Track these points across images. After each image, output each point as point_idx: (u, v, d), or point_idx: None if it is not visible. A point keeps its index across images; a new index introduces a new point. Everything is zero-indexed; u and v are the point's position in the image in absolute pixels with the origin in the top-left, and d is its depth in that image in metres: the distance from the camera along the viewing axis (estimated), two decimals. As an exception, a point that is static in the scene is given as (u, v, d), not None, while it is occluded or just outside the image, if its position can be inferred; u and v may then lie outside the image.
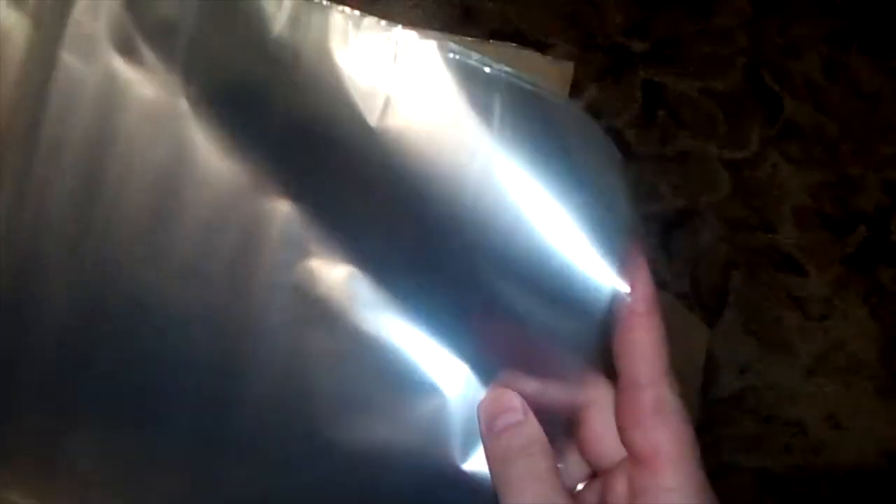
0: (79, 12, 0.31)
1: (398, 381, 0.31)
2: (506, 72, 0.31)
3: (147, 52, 0.31)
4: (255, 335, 0.31)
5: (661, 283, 0.62)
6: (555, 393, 0.28)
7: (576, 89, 0.52)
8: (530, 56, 0.46)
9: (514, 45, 0.42)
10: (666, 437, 0.26)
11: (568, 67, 0.45)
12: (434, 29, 0.35)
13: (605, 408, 0.27)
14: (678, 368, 0.30)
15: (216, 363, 0.31)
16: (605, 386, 0.27)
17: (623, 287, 0.27)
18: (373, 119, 0.29)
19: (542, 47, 0.62)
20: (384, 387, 0.31)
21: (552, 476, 0.27)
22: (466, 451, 0.30)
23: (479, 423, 0.29)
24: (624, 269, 0.28)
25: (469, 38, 0.41)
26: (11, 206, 0.31)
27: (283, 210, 0.31)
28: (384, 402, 0.31)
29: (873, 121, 0.66)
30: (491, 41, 0.41)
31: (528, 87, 0.31)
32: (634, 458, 0.26)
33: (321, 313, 0.31)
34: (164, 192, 0.31)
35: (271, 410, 0.31)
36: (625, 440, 0.27)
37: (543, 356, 0.28)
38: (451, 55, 0.30)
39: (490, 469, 0.28)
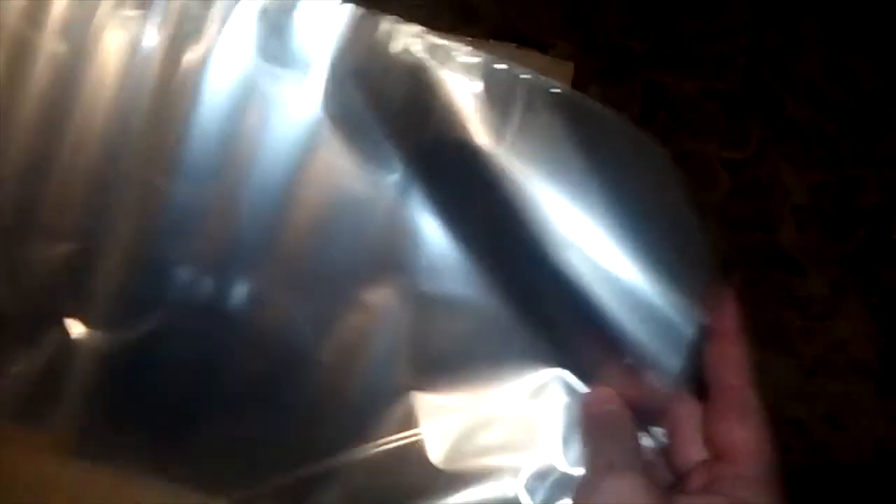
0: (225, 26, 0.32)
1: (508, 383, 0.32)
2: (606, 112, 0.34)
3: (291, 59, 0.33)
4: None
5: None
6: (646, 401, 0.30)
7: (576, 89, 0.52)
8: (530, 56, 0.46)
9: (515, 45, 0.42)
10: (748, 432, 0.28)
11: (568, 67, 0.45)
12: (434, 28, 0.35)
13: (691, 418, 0.30)
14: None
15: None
16: (691, 400, 0.30)
17: (709, 311, 0.30)
18: (494, 143, 0.32)
19: (542, 47, 0.62)
20: (493, 386, 0.33)
21: (637, 453, 0.30)
22: (568, 448, 0.32)
23: (582, 413, 0.32)
24: (709, 294, 0.31)
25: (469, 38, 0.41)
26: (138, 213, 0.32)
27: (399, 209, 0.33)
28: (491, 399, 0.32)
29: (873, 121, 0.66)
30: (491, 41, 0.41)
31: (615, 121, 0.34)
32: (717, 450, 0.29)
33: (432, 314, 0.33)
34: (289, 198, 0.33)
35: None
36: (709, 435, 0.29)
37: (637, 369, 0.31)
38: (555, 91, 0.33)
39: (584, 442, 0.31)
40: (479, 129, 0.32)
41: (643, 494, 0.27)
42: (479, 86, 0.32)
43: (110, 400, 0.32)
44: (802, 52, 0.67)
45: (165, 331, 0.32)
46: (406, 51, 0.33)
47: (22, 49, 0.32)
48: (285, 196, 0.32)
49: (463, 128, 0.32)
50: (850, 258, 0.64)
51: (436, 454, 0.32)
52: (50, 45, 0.32)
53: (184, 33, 0.32)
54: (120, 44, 0.32)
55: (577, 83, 0.51)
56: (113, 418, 0.33)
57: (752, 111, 0.65)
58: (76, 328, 0.32)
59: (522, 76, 0.33)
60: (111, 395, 0.32)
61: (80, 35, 0.32)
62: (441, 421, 0.32)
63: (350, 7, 0.33)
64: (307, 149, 0.33)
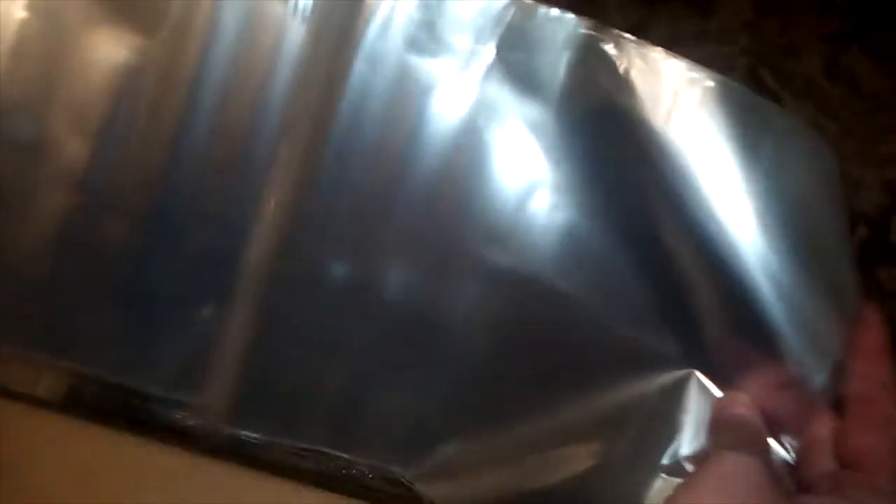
0: (369, 27, 0.33)
1: (641, 377, 0.32)
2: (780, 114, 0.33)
3: (443, 48, 0.33)
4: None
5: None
6: (784, 411, 0.30)
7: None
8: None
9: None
10: (885, 444, 0.28)
11: (567, 67, 0.45)
12: (434, 29, 0.35)
13: (826, 431, 0.31)
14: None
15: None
16: (828, 413, 0.30)
17: (855, 325, 0.31)
18: (659, 120, 0.32)
19: (542, 47, 0.62)
20: (626, 382, 0.33)
21: (759, 451, 0.29)
22: (690, 445, 0.32)
23: (712, 415, 0.32)
24: (857, 307, 0.31)
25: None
26: (294, 207, 0.33)
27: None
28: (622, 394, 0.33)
29: (873, 121, 0.66)
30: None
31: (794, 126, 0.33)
32: (849, 460, 0.29)
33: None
34: (448, 180, 0.33)
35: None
36: (843, 445, 0.29)
37: (780, 378, 0.31)
38: (719, 82, 0.32)
39: (710, 439, 0.30)
40: (642, 105, 0.31)
41: (760, 475, 0.27)
42: (639, 65, 0.32)
43: (258, 376, 0.33)
44: (802, 52, 0.67)
45: (316, 311, 0.33)
46: (563, 34, 0.33)
47: (181, 41, 0.32)
48: (436, 185, 0.33)
49: (626, 99, 0.32)
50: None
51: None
52: (202, 35, 0.32)
53: (332, 22, 0.32)
54: (268, 34, 0.32)
55: (577, 83, 0.50)
56: (261, 394, 0.33)
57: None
58: (227, 308, 0.33)
59: (680, 67, 0.32)
60: (259, 371, 0.33)
61: (228, 28, 0.32)
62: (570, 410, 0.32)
63: None
64: (458, 139, 0.33)
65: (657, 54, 0.32)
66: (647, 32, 0.71)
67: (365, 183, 0.33)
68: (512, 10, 0.33)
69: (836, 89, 0.66)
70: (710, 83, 0.32)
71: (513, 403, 0.33)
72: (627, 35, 0.33)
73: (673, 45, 0.72)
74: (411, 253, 0.33)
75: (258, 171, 0.32)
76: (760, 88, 0.66)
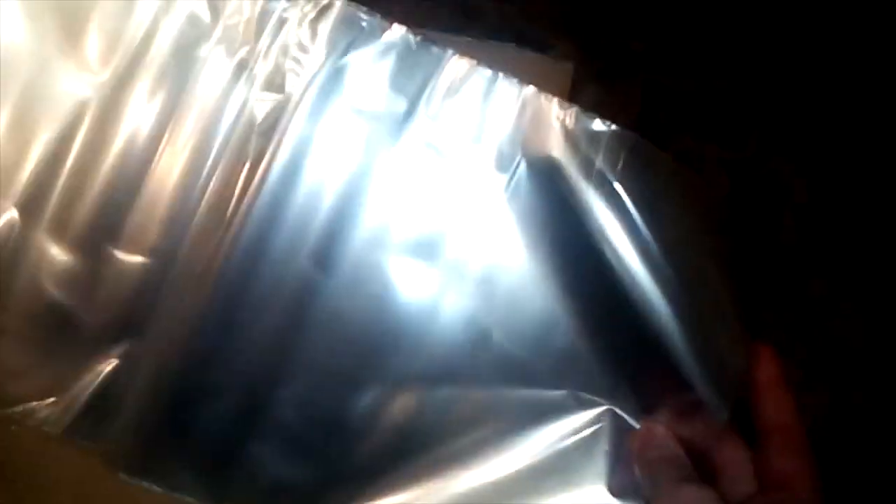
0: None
1: (557, 412, 0.33)
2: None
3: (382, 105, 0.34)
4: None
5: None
6: (696, 440, 0.32)
7: (576, 89, 0.51)
8: (530, 56, 0.46)
9: (514, 45, 0.42)
10: (802, 462, 0.31)
11: (568, 68, 0.45)
12: (434, 29, 0.35)
13: (740, 456, 0.32)
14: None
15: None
16: (739, 439, 0.33)
17: (752, 359, 0.33)
18: (573, 177, 0.32)
19: (542, 47, 0.62)
20: (540, 417, 0.33)
21: (700, 480, 0.31)
22: (613, 480, 0.32)
23: (632, 448, 0.33)
24: (747, 348, 0.33)
25: (469, 38, 0.41)
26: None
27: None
28: (538, 430, 0.33)
29: (873, 121, 0.66)
30: (491, 41, 0.41)
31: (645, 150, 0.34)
32: (772, 482, 0.31)
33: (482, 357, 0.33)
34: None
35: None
36: (764, 468, 0.31)
37: (690, 409, 0.32)
38: (631, 141, 0.34)
39: (642, 479, 0.31)
40: (559, 158, 0.32)
41: (717, 502, 0.30)
42: (554, 119, 0.33)
43: (162, 423, 0.33)
44: (802, 52, 0.67)
45: (220, 363, 0.32)
46: (502, 90, 0.33)
47: (124, 82, 0.32)
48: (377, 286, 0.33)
49: (547, 153, 0.32)
50: (850, 258, 0.64)
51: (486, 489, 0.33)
52: (147, 82, 0.32)
53: (265, 83, 0.32)
54: (210, 85, 0.32)
55: (577, 83, 0.51)
56: (163, 441, 0.33)
57: (752, 111, 0.65)
58: (139, 344, 0.32)
59: (599, 126, 0.33)
60: (163, 418, 0.33)
61: (172, 81, 0.32)
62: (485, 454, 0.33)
63: (403, 36, 0.33)
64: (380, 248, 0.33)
65: (564, 108, 0.33)
66: (647, 32, 0.71)
67: (268, 307, 0.33)
68: (439, 72, 0.33)
69: (836, 89, 0.66)
70: (616, 136, 0.33)
71: (436, 461, 0.33)
72: (537, 90, 0.33)
73: (673, 45, 0.72)
74: (315, 375, 0.33)
75: (190, 214, 0.32)
76: (760, 88, 0.67)
